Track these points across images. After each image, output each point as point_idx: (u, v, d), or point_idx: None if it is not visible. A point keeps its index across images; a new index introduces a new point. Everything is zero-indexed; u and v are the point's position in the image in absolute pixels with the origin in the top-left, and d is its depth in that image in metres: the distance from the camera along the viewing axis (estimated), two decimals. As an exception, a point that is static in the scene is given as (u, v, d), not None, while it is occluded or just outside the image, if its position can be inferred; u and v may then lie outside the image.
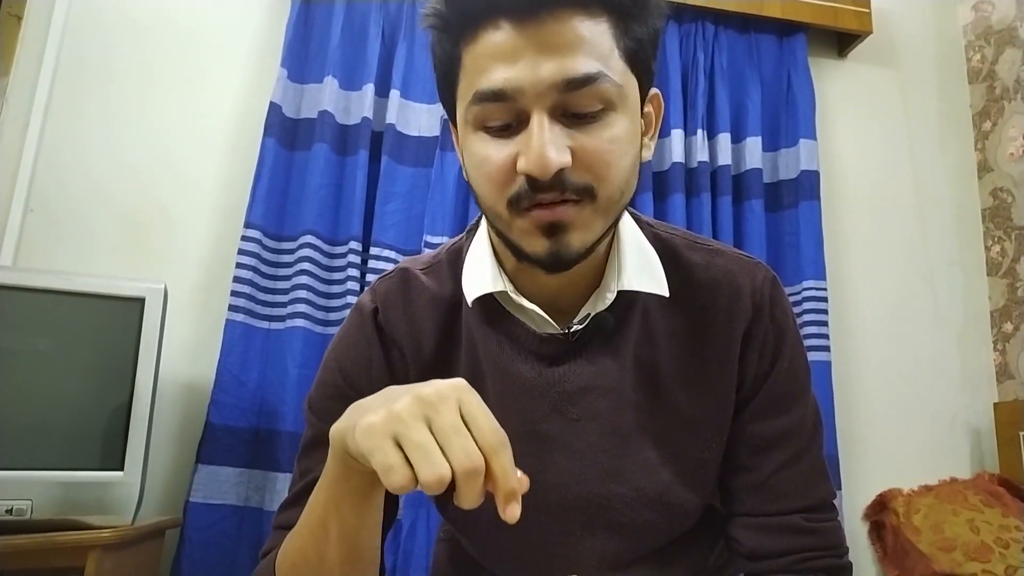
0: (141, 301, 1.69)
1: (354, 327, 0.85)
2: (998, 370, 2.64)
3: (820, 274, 2.41)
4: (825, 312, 2.39)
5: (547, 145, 0.65)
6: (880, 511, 2.40)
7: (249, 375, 2.04)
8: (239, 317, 2.05)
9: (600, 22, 0.67)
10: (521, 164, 0.66)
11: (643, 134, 0.74)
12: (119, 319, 1.69)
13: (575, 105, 0.67)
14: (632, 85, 0.71)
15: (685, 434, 0.78)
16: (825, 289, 2.41)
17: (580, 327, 0.77)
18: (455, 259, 0.85)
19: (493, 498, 0.82)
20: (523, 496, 0.79)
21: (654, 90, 0.76)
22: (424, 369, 0.81)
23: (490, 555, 0.86)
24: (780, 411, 0.79)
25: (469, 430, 0.53)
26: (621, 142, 0.69)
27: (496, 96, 0.66)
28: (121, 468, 1.63)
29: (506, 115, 0.67)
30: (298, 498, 0.79)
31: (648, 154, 0.76)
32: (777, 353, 0.79)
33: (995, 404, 2.55)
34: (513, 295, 0.77)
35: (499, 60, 0.66)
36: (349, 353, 0.83)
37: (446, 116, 2.23)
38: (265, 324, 2.10)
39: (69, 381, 1.66)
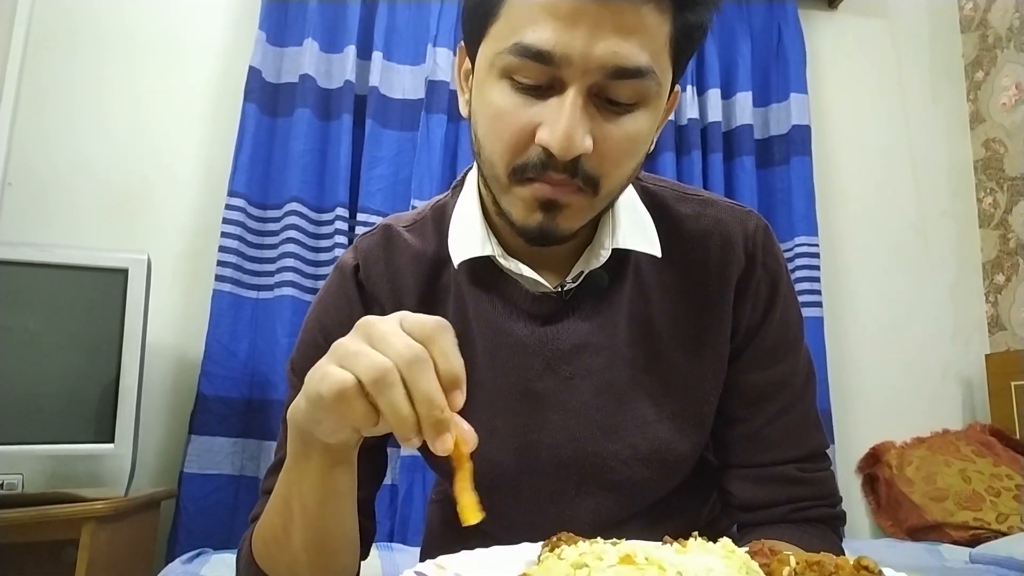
0: (124, 272, 1.67)
1: (335, 285, 0.83)
2: (990, 321, 2.64)
3: (812, 230, 2.40)
4: (817, 268, 2.39)
5: (577, 127, 0.62)
6: (873, 464, 2.42)
7: (239, 345, 2.03)
8: (226, 287, 2.03)
9: (664, 11, 0.64)
10: (543, 135, 0.63)
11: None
12: (103, 291, 1.67)
13: (614, 92, 0.64)
14: (667, 81, 0.69)
15: (682, 390, 0.77)
16: (817, 245, 2.40)
17: (574, 285, 0.76)
18: (440, 216, 0.83)
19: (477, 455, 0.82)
20: (516, 455, 0.79)
21: (677, 86, 0.74)
22: None
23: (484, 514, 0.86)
24: (773, 361, 0.78)
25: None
26: (640, 140, 0.68)
27: (540, 56, 0.62)
28: (112, 440, 1.62)
29: (541, 76, 0.63)
30: (283, 463, 0.78)
31: (651, 148, 0.74)
32: (770, 303, 0.78)
33: (987, 355, 2.56)
34: (502, 259, 0.75)
35: (555, 17, 0.61)
36: (329, 312, 0.82)
37: (431, 78, 2.23)
38: (253, 294, 2.08)
39: (55, 354, 1.64)
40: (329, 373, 0.51)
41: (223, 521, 1.93)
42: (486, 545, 0.90)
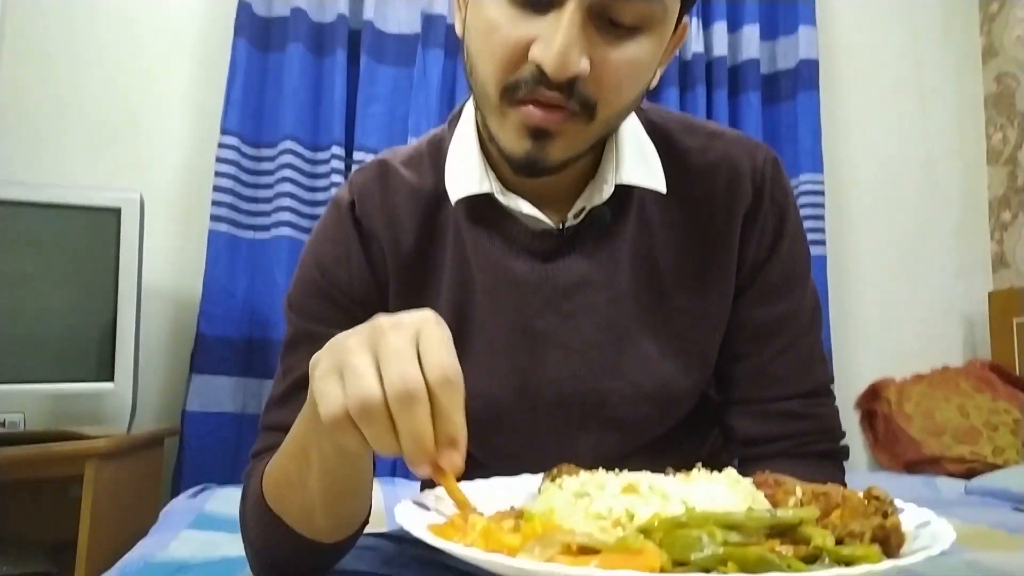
0: (117, 211, 1.65)
1: (331, 222, 0.81)
2: (994, 259, 2.62)
3: (817, 167, 2.36)
4: (822, 206, 2.35)
5: (573, 46, 0.59)
6: (872, 400, 2.44)
7: (237, 286, 2.01)
8: (222, 227, 2.01)
9: None
10: (536, 52, 0.60)
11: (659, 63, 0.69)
12: (96, 231, 1.65)
13: (616, 13, 0.61)
14: (675, 8, 0.66)
15: (685, 328, 0.76)
16: (822, 183, 2.36)
17: (576, 222, 0.73)
18: (436, 151, 0.80)
19: (477, 392, 0.81)
20: (516, 393, 0.77)
21: (685, 18, 0.70)
22: (403, 266, 0.78)
23: (481, 449, 0.85)
24: (779, 297, 0.77)
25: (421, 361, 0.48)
26: (641, 67, 0.65)
27: None
28: (112, 379, 1.62)
29: None
30: (284, 398, 0.77)
31: (655, 82, 0.70)
32: (777, 237, 0.76)
33: (990, 293, 2.55)
34: (501, 196, 0.73)
35: None
36: (327, 249, 0.79)
37: (428, 11, 2.15)
38: (250, 234, 2.06)
39: (51, 294, 1.63)
40: (325, 393, 0.48)
41: (226, 458, 1.95)
42: (486, 477, 0.91)
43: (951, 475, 2.14)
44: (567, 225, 0.74)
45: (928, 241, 2.58)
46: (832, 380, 0.81)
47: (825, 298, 2.31)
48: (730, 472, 0.46)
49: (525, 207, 0.73)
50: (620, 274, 0.75)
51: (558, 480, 0.48)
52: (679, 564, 0.34)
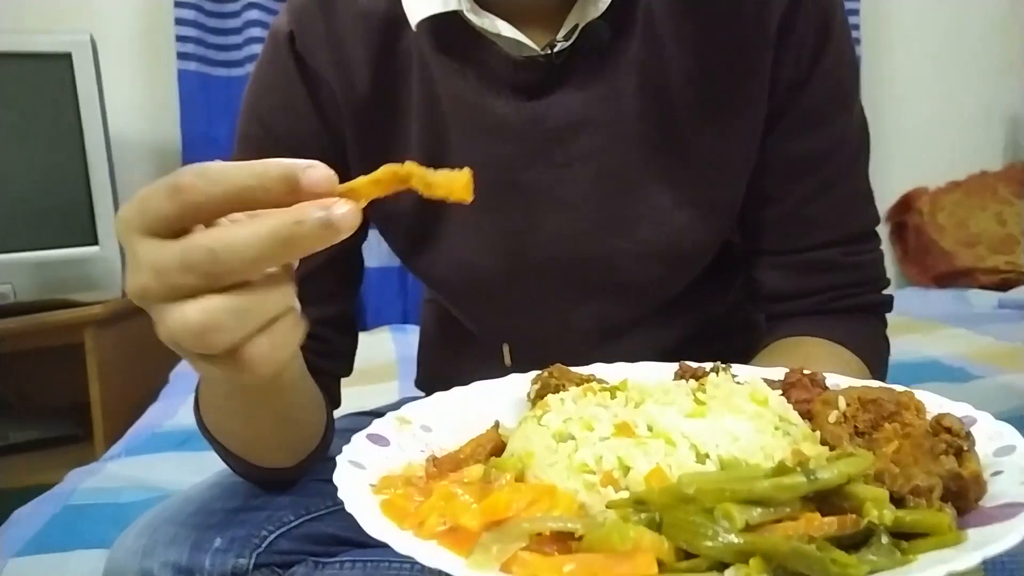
0: (67, 57, 1.48)
1: (267, 61, 0.67)
2: (1045, 50, 2.38)
3: (852, -47, 2.08)
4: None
5: None
6: (903, 212, 2.31)
7: (218, 131, 1.87)
8: (191, 66, 1.83)
9: None
10: None
11: None
12: (48, 81, 1.49)
13: None
14: None
15: (706, 169, 0.63)
16: (857, -28, 2.09)
17: (566, 44, 0.59)
18: None
19: (459, 259, 0.70)
20: (505, 259, 0.67)
21: None
22: (359, 110, 0.65)
23: (476, 323, 0.77)
24: (820, 124, 0.63)
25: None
26: None
27: None
28: (96, 242, 1.54)
29: None
30: None
31: None
32: (820, 50, 0.61)
33: (1037, 88, 2.33)
34: (473, 16, 0.58)
35: None
36: (266, 96, 0.66)
37: None
38: (223, 71, 1.89)
39: (15, 157, 1.51)
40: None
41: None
42: (481, 351, 0.83)
43: (984, 287, 2.06)
44: (556, 50, 0.59)
45: (970, 35, 2.33)
46: (878, 221, 0.69)
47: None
48: (754, 389, 0.36)
49: (503, 28, 0.58)
50: (624, 109, 0.62)
51: (539, 408, 0.38)
52: (686, 555, 0.26)
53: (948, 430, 0.30)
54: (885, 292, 0.69)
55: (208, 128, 1.87)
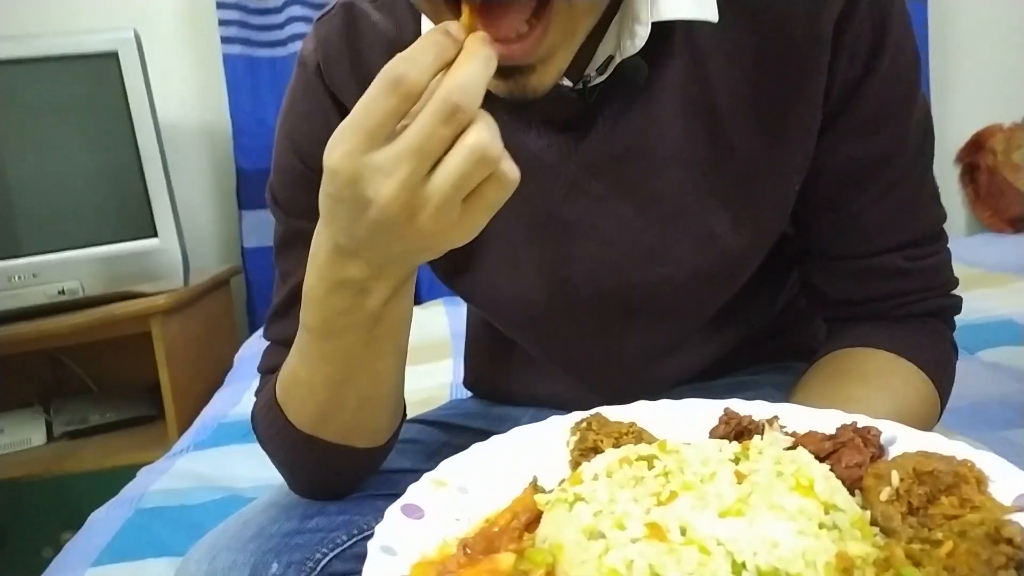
0: (114, 55, 1.50)
1: (300, 89, 0.66)
2: None
3: None
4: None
5: None
6: (975, 152, 2.18)
7: (266, 112, 1.88)
8: (235, 50, 1.84)
9: None
10: None
11: None
12: (97, 79, 1.52)
13: None
14: None
15: (758, 184, 0.59)
16: None
17: (601, 79, 0.56)
18: None
19: (503, 290, 0.70)
20: (547, 292, 0.65)
21: None
22: None
23: (523, 343, 0.76)
24: (878, 127, 0.58)
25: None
26: None
27: None
28: (155, 234, 1.58)
29: None
30: (286, 307, 0.67)
31: None
32: (877, 48, 0.56)
33: None
34: None
35: None
36: (300, 125, 0.65)
37: None
38: (267, 52, 1.88)
39: (70, 156, 1.55)
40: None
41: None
42: (530, 364, 0.82)
43: (1064, 231, 1.94)
44: (591, 84, 0.56)
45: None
46: (944, 219, 0.65)
47: (925, 41, 1.99)
48: (799, 461, 0.34)
49: None
50: (667, 133, 0.58)
51: (572, 482, 0.37)
52: None
53: (1009, 542, 0.28)
54: (953, 294, 0.65)
55: (256, 109, 1.88)
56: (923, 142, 0.62)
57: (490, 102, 0.61)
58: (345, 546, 0.65)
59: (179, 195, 1.63)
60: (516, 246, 0.63)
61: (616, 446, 0.42)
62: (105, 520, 0.91)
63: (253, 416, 0.68)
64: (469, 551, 0.36)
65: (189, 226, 1.70)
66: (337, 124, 0.66)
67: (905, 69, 0.59)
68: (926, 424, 0.61)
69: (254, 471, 1.00)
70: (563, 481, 0.39)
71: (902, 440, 0.40)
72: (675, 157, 0.59)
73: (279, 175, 0.68)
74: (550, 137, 0.59)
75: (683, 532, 0.31)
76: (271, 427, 0.64)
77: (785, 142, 0.58)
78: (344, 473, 0.65)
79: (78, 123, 1.55)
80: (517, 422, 0.56)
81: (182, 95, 1.91)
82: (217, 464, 1.08)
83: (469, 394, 0.90)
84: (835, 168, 0.60)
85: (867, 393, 0.58)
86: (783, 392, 0.64)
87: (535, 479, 0.42)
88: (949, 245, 0.65)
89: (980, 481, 0.34)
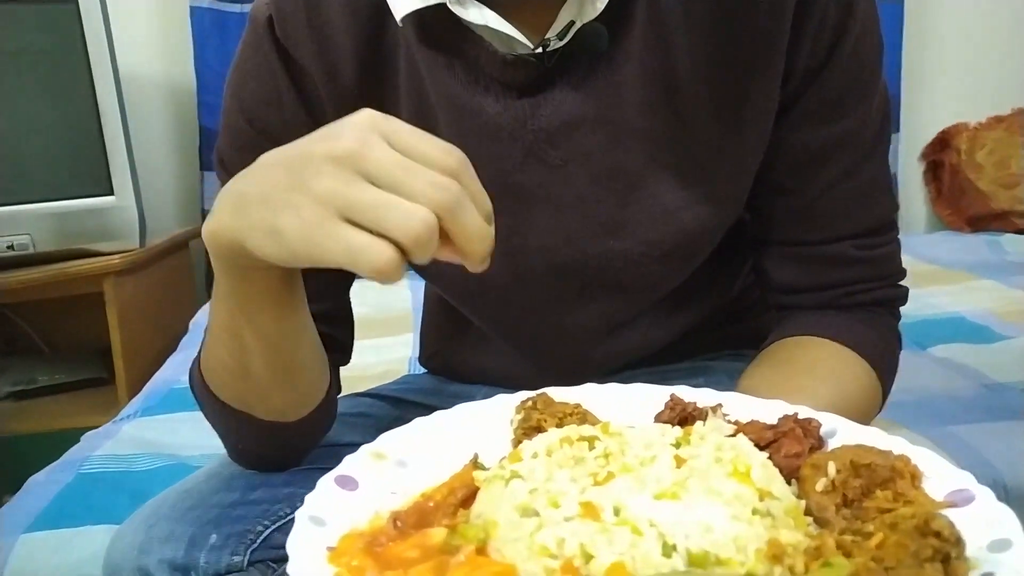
0: (74, 2, 1.44)
1: (249, 45, 0.63)
2: (1108, -29, 2.20)
3: None
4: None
5: None
6: (941, 149, 2.21)
7: (232, 70, 1.83)
8: (204, 2, 1.78)
9: None
10: None
11: None
12: (55, 28, 1.46)
13: None
14: None
15: (716, 163, 0.59)
16: None
17: (560, 44, 0.55)
18: None
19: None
20: (502, 261, 0.64)
21: None
22: (345, 103, 0.61)
23: (474, 317, 0.75)
24: (838, 113, 0.58)
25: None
26: None
27: None
28: (111, 192, 1.54)
29: None
30: None
31: None
32: (840, 32, 0.56)
33: (1096, 14, 2.18)
34: (459, 8, 0.54)
35: None
36: (249, 85, 0.63)
37: None
38: (237, 7, 1.83)
39: (25, 108, 1.50)
40: (361, 246, 0.38)
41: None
42: (483, 343, 0.81)
43: (1020, 232, 1.98)
44: (549, 49, 0.55)
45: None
46: (896, 210, 0.65)
47: (899, 35, 2.00)
48: (737, 457, 0.34)
49: (492, 20, 0.54)
50: (624, 103, 0.58)
51: (511, 459, 0.37)
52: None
53: (937, 535, 0.28)
54: (900, 284, 0.65)
55: (223, 66, 1.80)
56: (880, 132, 0.62)
57: (450, 65, 0.60)
58: (288, 518, 0.63)
59: (138, 152, 1.59)
60: None
61: (560, 426, 0.41)
62: (44, 484, 0.88)
63: (190, 374, 0.66)
64: (400, 524, 0.36)
65: (148, 185, 1.66)
66: (285, 84, 0.64)
67: (868, 54, 0.58)
68: (868, 414, 0.62)
69: (203, 439, 0.98)
70: (503, 459, 0.39)
71: (842, 433, 0.40)
72: (632, 129, 0.58)
73: (227, 136, 0.66)
74: (508, 101, 0.58)
75: (617, 512, 0.31)
76: (198, 387, 0.62)
77: (742, 123, 0.58)
78: (271, 445, 0.63)
79: (33, 72, 1.49)
80: (471, 400, 0.55)
81: (145, 47, 1.85)
82: (165, 431, 1.06)
83: (424, 370, 0.90)
84: (793, 152, 0.60)
85: (812, 383, 0.58)
86: (735, 379, 0.65)
87: (476, 456, 0.42)
88: (909, 241, 0.66)
89: (915, 476, 0.34)
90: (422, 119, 0.61)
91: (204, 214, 1.90)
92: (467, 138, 0.60)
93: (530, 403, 0.45)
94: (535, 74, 0.57)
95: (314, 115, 0.62)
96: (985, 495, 0.33)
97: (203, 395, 0.62)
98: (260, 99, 0.62)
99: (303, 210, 0.39)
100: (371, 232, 0.38)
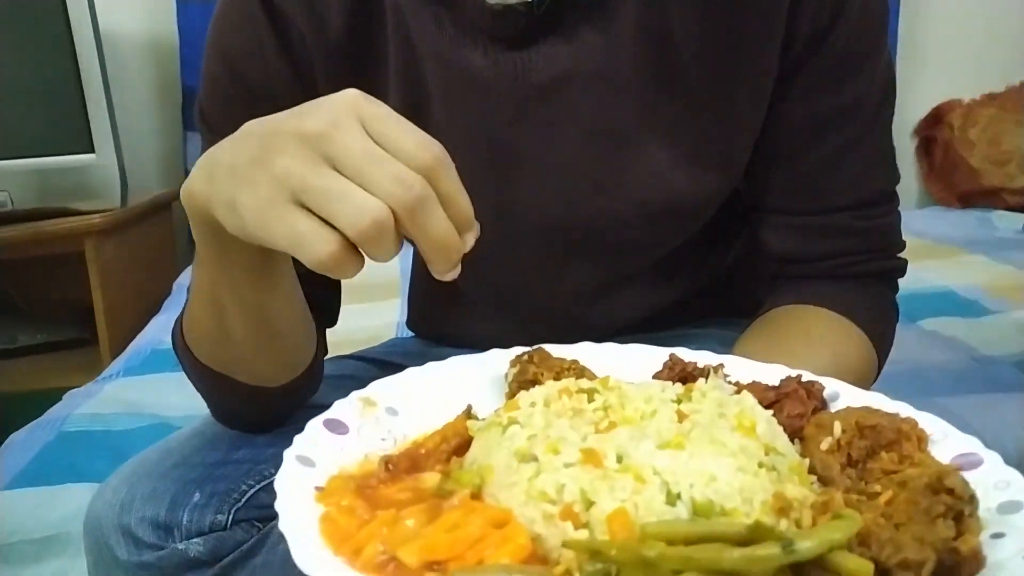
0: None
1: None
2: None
3: None
4: None
5: None
6: (933, 126, 2.20)
7: (218, 27, 1.79)
8: (188, -45, 1.73)
9: None
10: None
11: None
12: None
13: None
14: None
15: (709, 124, 0.57)
16: None
17: None
18: None
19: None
20: (490, 218, 0.63)
21: None
22: (332, 56, 0.59)
23: (463, 281, 0.74)
24: (840, 81, 0.57)
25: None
26: None
27: None
28: (92, 150, 1.50)
29: None
30: None
31: None
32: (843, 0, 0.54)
33: (1093, -8, 2.16)
34: None
35: None
36: (232, 37, 0.61)
37: None
38: (223, -37, 1.78)
39: (5, 64, 1.46)
40: (302, 234, 0.36)
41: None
42: (471, 307, 0.80)
43: (1010, 209, 1.98)
44: None
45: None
46: (897, 181, 0.64)
47: (896, 9, 1.98)
48: (742, 411, 0.33)
49: None
50: (618, 59, 0.56)
51: (508, 408, 0.35)
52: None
53: (951, 491, 0.27)
54: (899, 256, 0.64)
55: (208, 23, 1.78)
56: (884, 100, 0.60)
57: (438, 17, 0.58)
58: (272, 478, 0.62)
59: (120, 110, 1.55)
60: (460, 170, 0.60)
61: (556, 380, 0.40)
62: (24, 442, 0.87)
63: (172, 335, 0.64)
64: (392, 468, 0.34)
65: (130, 144, 1.62)
66: (266, 34, 0.62)
67: (871, 23, 0.57)
68: (862, 383, 0.61)
69: (186, 400, 0.97)
70: (499, 409, 0.38)
71: (845, 397, 0.40)
72: (626, 86, 0.56)
73: (208, 88, 0.63)
74: (496, 55, 0.56)
75: (619, 460, 0.30)
76: (180, 349, 0.61)
77: (738, 83, 0.56)
78: (254, 408, 0.62)
79: (12, 26, 1.45)
80: (458, 363, 0.54)
81: (127, 3, 1.80)
82: (148, 391, 1.04)
83: (412, 335, 0.88)
84: (793, 121, 0.59)
85: (807, 350, 0.57)
86: (728, 347, 0.64)
87: (469, 407, 0.41)
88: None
89: (921, 439, 0.34)
90: (411, 73, 0.59)
91: (187, 175, 1.86)
92: (456, 92, 0.58)
93: (526, 357, 0.43)
94: (525, 25, 0.55)
95: (298, 69, 0.60)
96: (993, 459, 0.32)
97: (185, 357, 0.60)
98: (243, 49, 0.60)
99: (259, 187, 0.37)
100: (323, 221, 0.36)
